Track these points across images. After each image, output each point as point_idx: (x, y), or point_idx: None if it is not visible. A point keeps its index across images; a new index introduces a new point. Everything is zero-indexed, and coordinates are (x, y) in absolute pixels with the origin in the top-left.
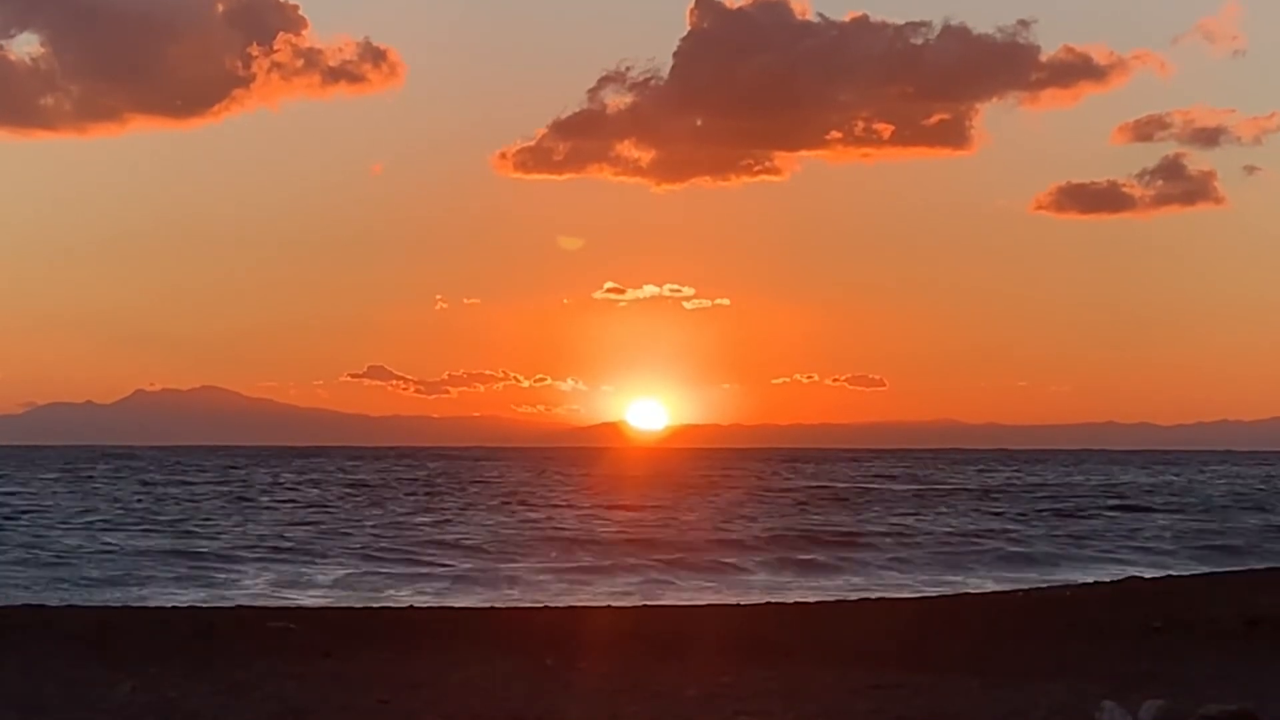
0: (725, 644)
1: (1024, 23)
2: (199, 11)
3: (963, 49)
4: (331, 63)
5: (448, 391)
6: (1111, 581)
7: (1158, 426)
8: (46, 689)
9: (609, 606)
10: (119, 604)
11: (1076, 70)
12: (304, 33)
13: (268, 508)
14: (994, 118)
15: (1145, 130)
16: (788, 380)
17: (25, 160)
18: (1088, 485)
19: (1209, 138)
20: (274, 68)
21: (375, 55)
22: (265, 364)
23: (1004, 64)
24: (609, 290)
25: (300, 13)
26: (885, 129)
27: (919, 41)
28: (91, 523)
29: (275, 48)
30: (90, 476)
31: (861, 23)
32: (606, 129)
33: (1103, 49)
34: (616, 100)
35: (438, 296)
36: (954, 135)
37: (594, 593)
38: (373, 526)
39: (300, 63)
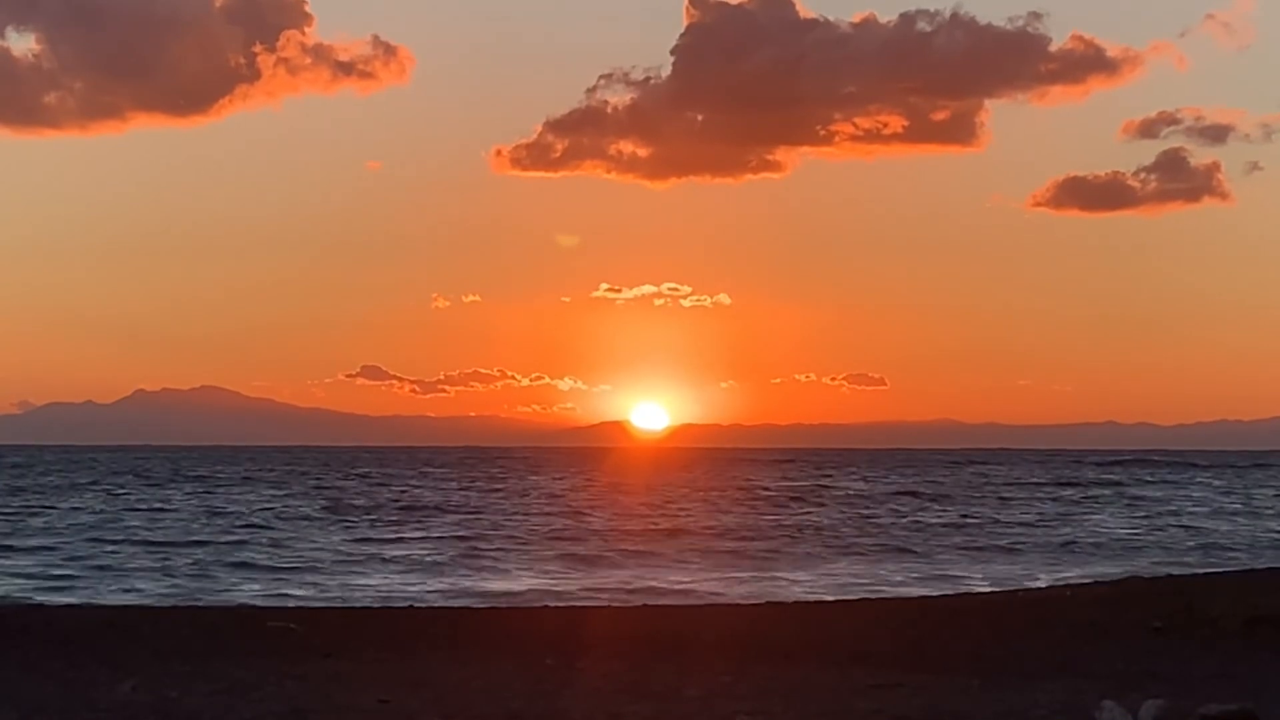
0: (725, 644)
1: (1035, 15)
2: (202, 7)
3: (970, 41)
4: (342, 58)
5: (445, 391)
6: (1111, 582)
7: (1157, 426)
8: (46, 689)
9: (609, 606)
10: (119, 604)
11: (1085, 64)
12: (308, 30)
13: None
14: (1001, 114)
15: (1152, 127)
16: (788, 379)
17: (26, 158)
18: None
19: (1216, 134)
20: (279, 63)
21: (386, 51)
22: (265, 364)
23: (1013, 57)
24: (607, 290)
25: (306, 9)
26: (889, 125)
27: (927, 28)
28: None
29: (280, 44)
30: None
31: (867, 18)
32: (605, 126)
33: (1112, 43)
34: (615, 98)
35: (435, 295)
36: (961, 131)
37: None
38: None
39: (308, 60)
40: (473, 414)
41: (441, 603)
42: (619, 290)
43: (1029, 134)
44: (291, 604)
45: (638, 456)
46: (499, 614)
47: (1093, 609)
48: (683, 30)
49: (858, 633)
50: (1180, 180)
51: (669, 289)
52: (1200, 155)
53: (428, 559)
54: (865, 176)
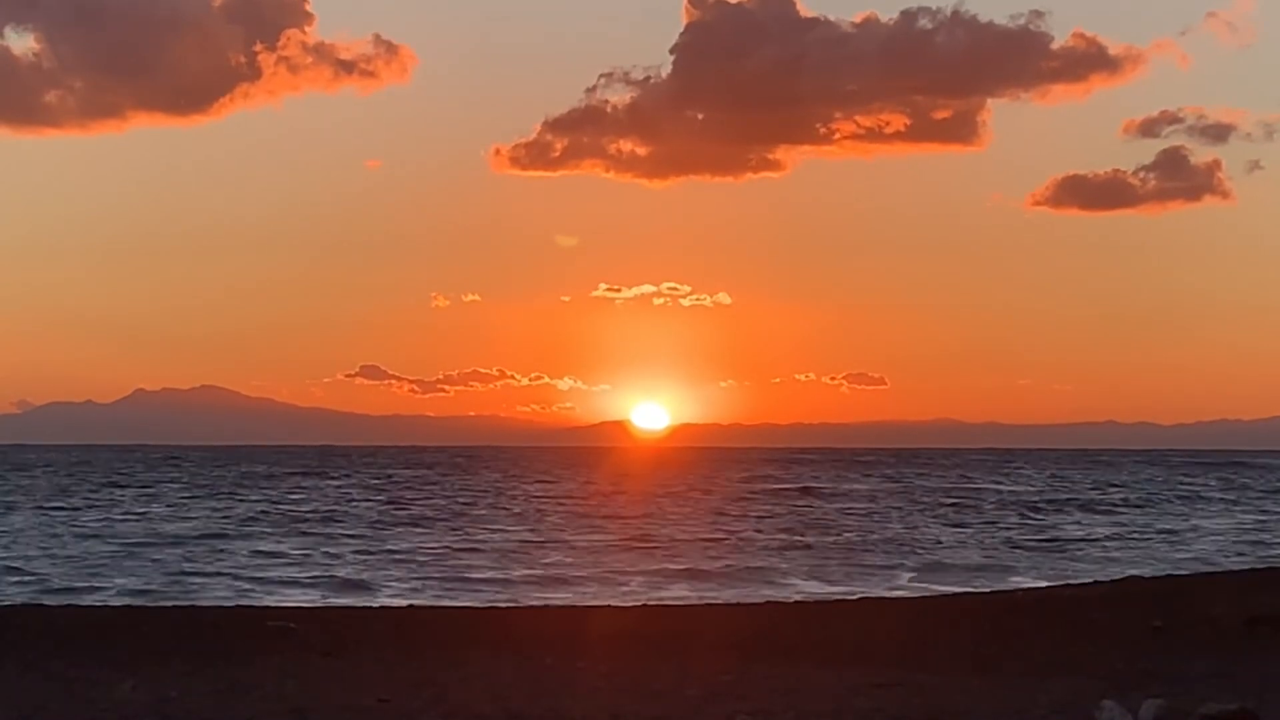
0: (725, 643)
1: (1037, 13)
2: (203, 7)
3: (972, 39)
4: (343, 57)
5: (445, 390)
6: (1111, 581)
7: (1158, 426)
8: (46, 689)
9: (609, 606)
10: (119, 604)
11: (1087, 63)
12: (309, 29)
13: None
14: (1002, 112)
15: (1153, 126)
16: (788, 379)
17: (26, 158)
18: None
19: (1217, 133)
20: (280, 62)
21: (388, 50)
22: (265, 364)
23: (1015, 55)
24: (606, 289)
25: (308, 8)
26: (890, 124)
27: (928, 26)
28: None
29: (281, 43)
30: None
31: (868, 17)
32: (604, 125)
33: (1113, 41)
34: (615, 97)
35: (434, 294)
36: (962, 130)
37: None
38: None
39: (309, 59)
40: (472, 414)
41: (441, 603)
42: (618, 290)
43: (1030, 133)
44: (291, 604)
45: (640, 456)
46: (499, 614)
47: (1093, 609)
48: (682, 29)
49: (858, 633)
50: (1181, 179)
51: (668, 288)
52: (1201, 154)
53: (426, 559)
54: (865, 176)
